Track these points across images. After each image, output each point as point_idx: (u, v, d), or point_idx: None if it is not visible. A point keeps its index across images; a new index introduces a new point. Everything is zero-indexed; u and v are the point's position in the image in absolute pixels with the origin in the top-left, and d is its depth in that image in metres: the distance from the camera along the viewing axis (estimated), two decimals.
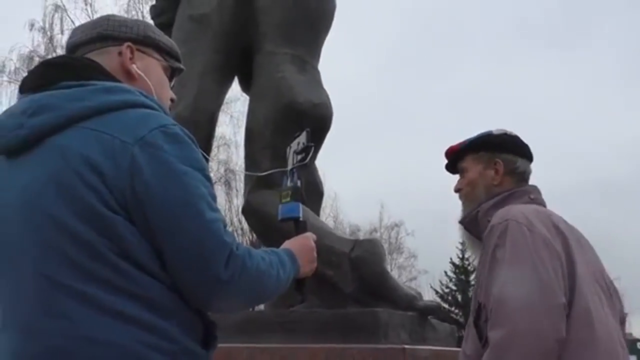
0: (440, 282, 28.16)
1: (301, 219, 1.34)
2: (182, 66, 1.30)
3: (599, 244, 1.76)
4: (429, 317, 3.06)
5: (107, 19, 1.23)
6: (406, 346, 2.47)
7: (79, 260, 0.98)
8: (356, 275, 2.96)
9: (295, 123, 2.95)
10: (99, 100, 1.06)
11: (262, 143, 3.30)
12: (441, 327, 3.21)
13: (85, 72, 1.12)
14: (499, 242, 1.49)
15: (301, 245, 1.26)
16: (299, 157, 1.37)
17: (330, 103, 3.41)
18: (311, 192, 3.41)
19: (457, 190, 1.81)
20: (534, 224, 1.50)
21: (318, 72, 3.53)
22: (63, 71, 1.11)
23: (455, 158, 1.82)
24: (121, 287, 0.98)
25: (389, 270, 3.19)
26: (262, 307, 3.90)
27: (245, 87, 3.84)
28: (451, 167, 1.85)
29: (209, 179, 1.08)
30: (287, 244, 1.25)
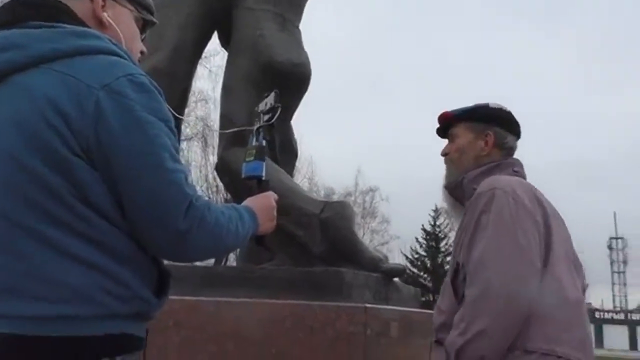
0: (411, 247, 28.68)
1: (264, 178, 1.36)
2: (154, 19, 1.29)
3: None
4: (393, 279, 3.14)
5: None
6: (368, 305, 2.54)
7: (38, 201, 0.99)
8: (325, 236, 3.02)
9: (273, 81, 2.94)
10: (67, 44, 1.05)
11: (239, 100, 3.28)
12: (405, 289, 3.30)
13: (56, 14, 1.11)
14: (484, 209, 1.58)
15: (262, 203, 1.29)
16: (266, 117, 1.39)
17: (309, 63, 3.39)
18: (285, 151, 3.43)
19: (444, 154, 1.86)
20: (519, 195, 1.58)
21: (299, 31, 3.50)
22: (34, 11, 1.10)
23: (448, 124, 1.86)
24: (79, 230, 1.00)
25: (361, 233, 3.26)
26: (234, 263, 3.95)
27: (225, 42, 3.79)
28: (442, 132, 1.90)
29: (173, 131, 1.08)
30: (247, 202, 1.27)
